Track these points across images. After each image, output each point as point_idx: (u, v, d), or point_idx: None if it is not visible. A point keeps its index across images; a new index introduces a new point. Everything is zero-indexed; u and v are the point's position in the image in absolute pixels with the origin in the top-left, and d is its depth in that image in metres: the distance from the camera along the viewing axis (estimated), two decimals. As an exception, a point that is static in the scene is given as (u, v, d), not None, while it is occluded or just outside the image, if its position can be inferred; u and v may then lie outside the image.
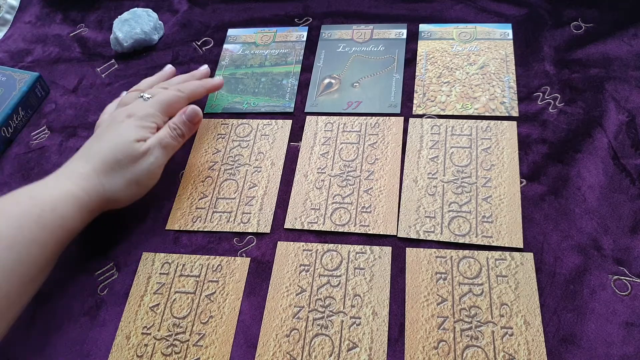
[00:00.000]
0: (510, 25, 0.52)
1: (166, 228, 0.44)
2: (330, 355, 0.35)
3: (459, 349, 0.35)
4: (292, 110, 0.50)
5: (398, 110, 0.48)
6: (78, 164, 0.40)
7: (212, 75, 0.54)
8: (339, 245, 0.40)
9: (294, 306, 0.38)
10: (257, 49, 0.55)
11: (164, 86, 0.46)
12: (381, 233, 0.40)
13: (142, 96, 0.45)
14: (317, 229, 0.41)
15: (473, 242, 0.39)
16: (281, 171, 0.46)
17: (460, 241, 0.39)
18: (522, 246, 0.38)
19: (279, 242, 0.41)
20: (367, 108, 0.48)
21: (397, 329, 0.36)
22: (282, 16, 0.58)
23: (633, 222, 0.38)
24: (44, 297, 0.41)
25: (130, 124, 0.42)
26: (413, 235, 0.40)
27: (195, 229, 0.43)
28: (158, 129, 0.43)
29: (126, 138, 0.40)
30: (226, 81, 0.53)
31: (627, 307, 0.35)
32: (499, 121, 0.45)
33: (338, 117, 0.48)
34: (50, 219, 0.36)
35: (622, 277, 0.36)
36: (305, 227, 0.42)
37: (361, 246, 0.40)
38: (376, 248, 0.40)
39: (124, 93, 0.49)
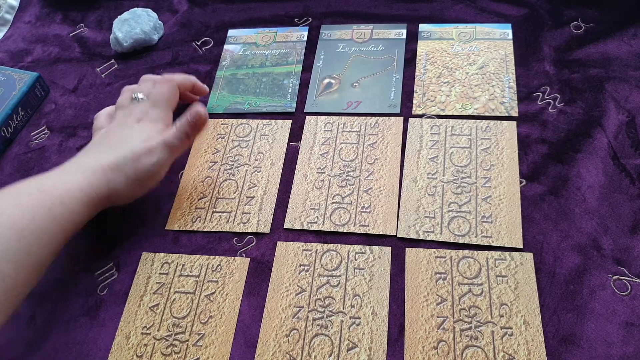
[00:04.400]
0: (510, 25, 0.52)
1: (166, 228, 0.44)
2: (330, 355, 0.35)
3: (459, 349, 0.35)
4: (293, 110, 0.50)
5: (398, 110, 0.48)
6: (87, 159, 0.40)
7: (213, 75, 0.54)
8: (339, 245, 0.40)
9: (294, 306, 0.38)
10: (257, 49, 0.55)
11: (153, 79, 0.46)
12: (381, 233, 0.40)
13: (135, 97, 0.45)
14: (316, 229, 0.41)
15: (473, 242, 0.39)
16: (281, 171, 0.46)
17: (460, 241, 0.39)
18: (521, 246, 0.38)
19: (278, 242, 0.41)
20: (366, 108, 0.48)
21: (396, 329, 0.36)
22: (282, 16, 0.58)
23: (633, 222, 0.38)
24: (44, 297, 0.41)
25: (141, 127, 0.42)
26: (413, 236, 0.40)
27: (195, 229, 0.43)
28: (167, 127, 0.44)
29: (136, 137, 0.41)
30: (227, 81, 0.53)
31: (627, 307, 0.35)
32: (499, 121, 0.45)
33: (338, 117, 0.48)
34: (59, 211, 0.36)
35: (622, 277, 0.36)
36: (305, 227, 0.42)
37: (361, 246, 0.40)
38: (376, 248, 0.40)
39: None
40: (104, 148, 0.41)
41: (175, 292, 0.40)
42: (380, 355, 0.35)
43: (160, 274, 0.41)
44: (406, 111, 0.47)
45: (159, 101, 0.44)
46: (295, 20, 0.57)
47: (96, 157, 0.40)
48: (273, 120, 0.49)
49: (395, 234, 0.40)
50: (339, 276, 0.39)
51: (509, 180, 0.41)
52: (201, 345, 0.37)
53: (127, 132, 0.42)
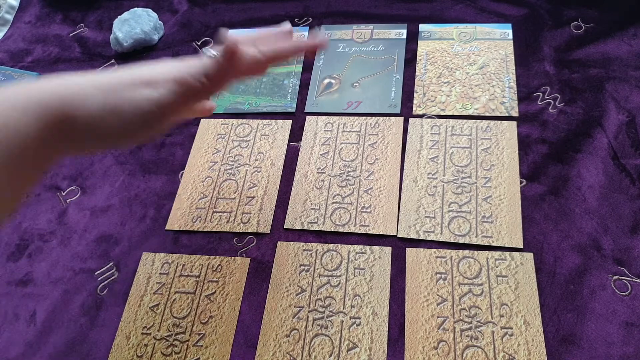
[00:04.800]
0: (510, 25, 0.52)
1: (166, 228, 0.44)
2: (330, 355, 0.35)
3: (459, 349, 0.35)
4: (293, 110, 0.50)
5: (398, 110, 0.48)
6: (87, 74, 0.30)
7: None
8: (339, 245, 0.40)
9: (294, 306, 0.38)
10: (257, 49, 0.55)
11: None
12: (381, 233, 0.40)
13: (205, 52, 0.32)
14: (317, 229, 0.41)
15: (473, 242, 0.39)
16: (281, 171, 0.45)
17: (460, 241, 0.39)
18: (522, 246, 0.38)
19: (278, 242, 0.41)
20: (367, 108, 0.48)
21: (397, 329, 0.36)
22: (282, 16, 0.58)
23: (633, 222, 0.38)
24: (44, 297, 0.41)
25: (176, 62, 0.31)
26: (413, 236, 0.40)
27: (195, 229, 0.43)
28: None
29: (153, 66, 0.30)
30: (226, 81, 0.53)
31: (627, 307, 0.35)
32: (499, 121, 0.45)
33: (338, 117, 0.48)
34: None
35: (622, 277, 0.36)
36: (305, 227, 0.42)
37: (361, 246, 0.40)
38: (376, 248, 0.40)
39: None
40: (116, 70, 0.30)
41: (175, 292, 0.40)
42: (381, 355, 0.35)
43: (160, 274, 0.41)
44: (406, 111, 0.47)
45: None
46: (296, 20, 0.57)
47: (97, 74, 0.30)
48: (273, 120, 0.49)
49: (395, 234, 0.40)
50: (339, 276, 0.39)
51: (509, 180, 0.41)
52: (201, 345, 0.37)
53: (155, 63, 0.31)
